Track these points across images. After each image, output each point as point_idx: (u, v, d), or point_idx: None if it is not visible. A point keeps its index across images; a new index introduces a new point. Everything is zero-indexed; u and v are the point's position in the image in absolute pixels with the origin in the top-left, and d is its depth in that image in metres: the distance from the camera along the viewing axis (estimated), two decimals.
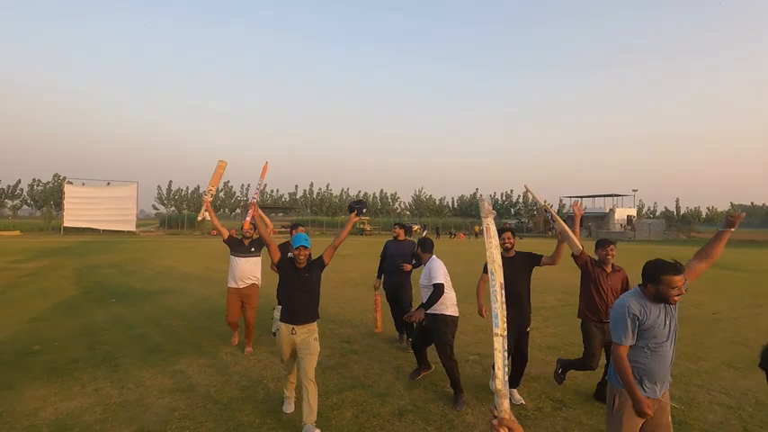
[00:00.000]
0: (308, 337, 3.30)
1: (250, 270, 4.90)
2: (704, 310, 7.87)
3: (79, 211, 37.69)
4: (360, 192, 55.14)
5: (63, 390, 3.91)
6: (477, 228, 44.72)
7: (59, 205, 40.59)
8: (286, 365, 3.47)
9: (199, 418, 3.43)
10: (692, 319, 7.13)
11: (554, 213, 3.71)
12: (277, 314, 4.93)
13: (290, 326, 3.28)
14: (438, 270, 3.84)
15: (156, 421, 3.36)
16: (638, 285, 2.34)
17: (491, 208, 1.45)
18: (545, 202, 3.83)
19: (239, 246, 4.91)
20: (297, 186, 52.84)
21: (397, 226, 5.61)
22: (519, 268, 3.80)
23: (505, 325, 1.28)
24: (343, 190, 54.18)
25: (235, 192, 51.06)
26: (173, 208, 49.08)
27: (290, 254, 3.51)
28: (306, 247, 3.30)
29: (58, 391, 3.89)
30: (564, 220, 3.64)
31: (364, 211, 3.64)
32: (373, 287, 5.75)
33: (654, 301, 2.25)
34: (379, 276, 5.59)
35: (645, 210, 56.52)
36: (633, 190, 49.51)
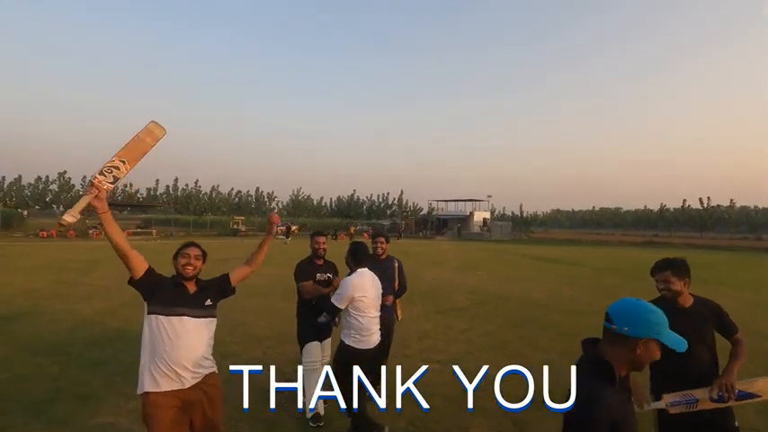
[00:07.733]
0: None
1: (201, 345, 2.28)
2: (580, 302, 9.38)
3: None
4: (232, 189, 51.35)
5: None
6: (352, 228, 45.57)
7: None
8: None
9: None
10: (571, 312, 8.41)
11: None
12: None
13: None
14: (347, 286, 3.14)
15: None
16: None
17: None
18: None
19: (179, 294, 2.30)
20: (158, 181, 46.34)
21: (379, 236, 4.25)
22: (698, 325, 2.39)
23: None
24: (213, 187, 49.68)
25: (73, 184, 42.38)
26: None
27: None
28: None
29: None
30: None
31: None
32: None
33: None
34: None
35: (496, 213, 64.99)
36: (488, 196, 56.68)
